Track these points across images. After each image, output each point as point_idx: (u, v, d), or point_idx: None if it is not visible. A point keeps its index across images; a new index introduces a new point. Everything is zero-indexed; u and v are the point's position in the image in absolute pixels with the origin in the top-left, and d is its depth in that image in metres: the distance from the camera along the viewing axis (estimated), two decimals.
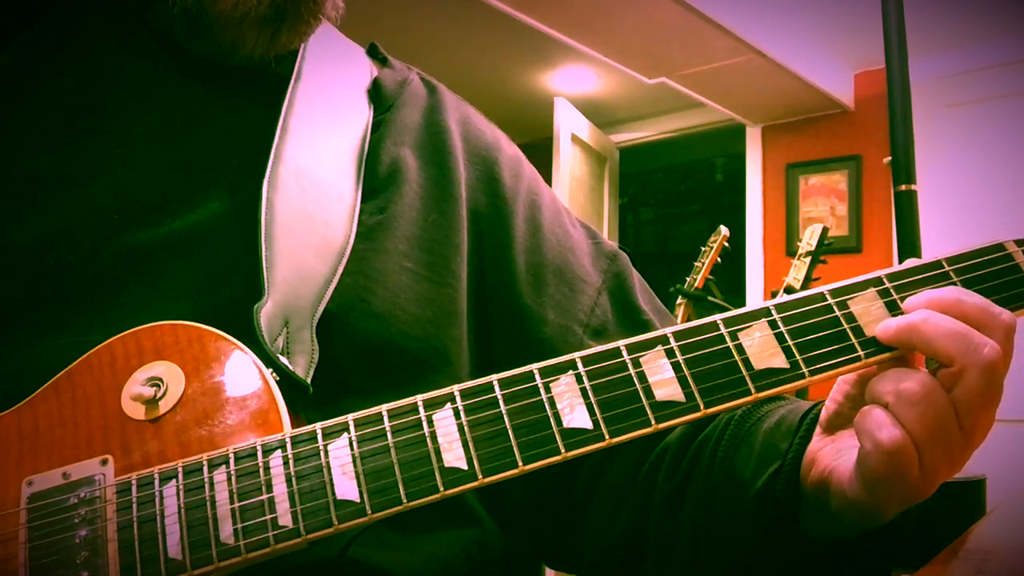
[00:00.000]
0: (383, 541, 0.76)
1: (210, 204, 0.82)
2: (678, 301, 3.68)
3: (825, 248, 3.33)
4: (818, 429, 0.72)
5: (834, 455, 0.68)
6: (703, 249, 3.72)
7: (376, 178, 0.89)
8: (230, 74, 0.89)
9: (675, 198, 8.13)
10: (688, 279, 3.67)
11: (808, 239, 3.35)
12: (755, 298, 5.19)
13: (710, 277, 3.67)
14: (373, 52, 1.03)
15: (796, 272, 3.30)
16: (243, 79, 0.89)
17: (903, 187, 2.63)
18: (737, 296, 5.20)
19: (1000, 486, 1.93)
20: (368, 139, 0.91)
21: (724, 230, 3.70)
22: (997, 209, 4.32)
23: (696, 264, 3.70)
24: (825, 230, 3.36)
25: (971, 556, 0.84)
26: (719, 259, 3.69)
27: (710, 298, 3.67)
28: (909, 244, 2.60)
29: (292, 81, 0.90)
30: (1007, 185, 4.35)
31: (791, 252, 4.20)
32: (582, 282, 0.95)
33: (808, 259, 3.30)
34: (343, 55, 0.98)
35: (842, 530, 0.70)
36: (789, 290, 3.26)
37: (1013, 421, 4.01)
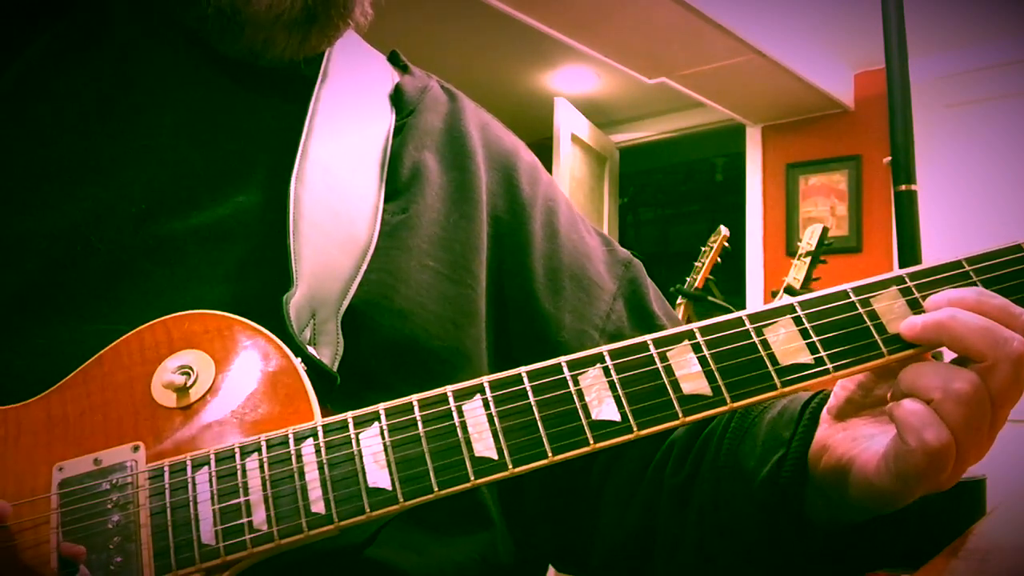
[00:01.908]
0: (403, 542, 0.77)
1: (237, 198, 0.83)
2: (678, 301, 3.69)
3: (825, 248, 3.34)
4: (826, 416, 0.73)
5: (850, 443, 0.69)
6: (703, 249, 3.73)
7: (398, 179, 0.90)
8: (258, 74, 0.90)
9: (675, 198, 8.12)
10: (688, 279, 3.67)
11: (808, 239, 3.36)
12: (755, 298, 5.20)
13: (710, 277, 3.68)
14: (394, 59, 1.05)
15: (796, 272, 3.31)
16: (270, 79, 0.90)
17: (903, 187, 2.64)
18: (737, 296, 5.20)
19: (1000, 486, 1.93)
20: (391, 142, 0.92)
21: (724, 230, 3.70)
22: (997, 209, 4.33)
23: (696, 264, 3.71)
24: (825, 230, 3.37)
25: (971, 556, 0.85)
26: (719, 259, 3.70)
27: (710, 298, 3.68)
28: (909, 244, 2.61)
29: (318, 83, 0.91)
30: (1007, 185, 4.36)
31: (791, 252, 4.21)
32: (598, 288, 0.97)
33: (808, 259, 3.31)
34: (366, 61, 1.00)
35: (851, 515, 0.71)
36: (789, 290, 3.27)
37: (1013, 421, 4.00)
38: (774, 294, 3.44)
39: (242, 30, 0.85)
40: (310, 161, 0.84)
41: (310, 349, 0.73)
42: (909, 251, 2.61)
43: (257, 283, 0.79)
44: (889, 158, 2.71)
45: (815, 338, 0.66)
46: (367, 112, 0.93)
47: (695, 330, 0.66)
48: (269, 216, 0.81)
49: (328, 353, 0.76)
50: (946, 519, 1.88)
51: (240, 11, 0.84)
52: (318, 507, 0.62)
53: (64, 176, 0.80)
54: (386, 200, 0.88)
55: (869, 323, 0.66)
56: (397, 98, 0.97)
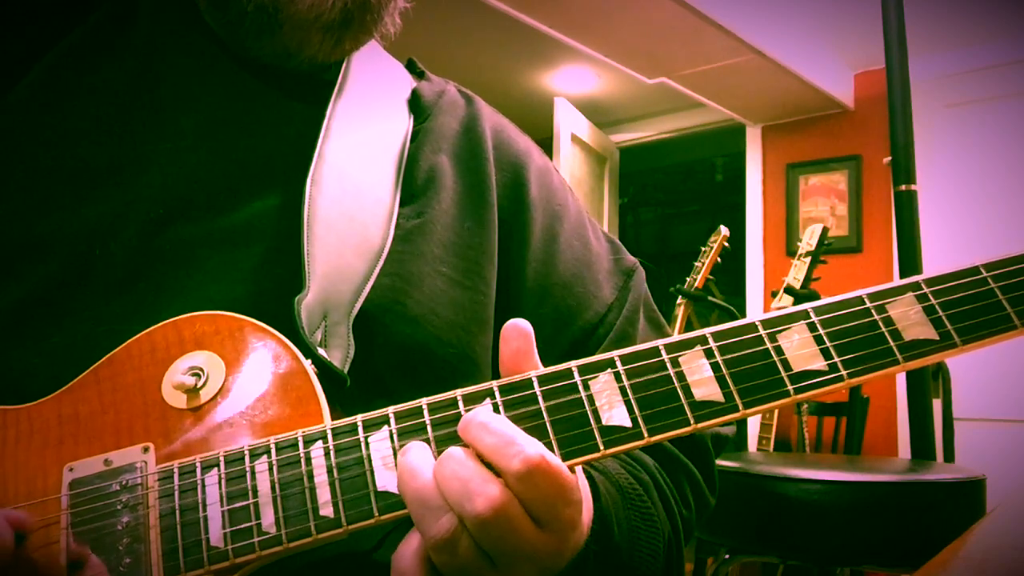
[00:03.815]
0: None
1: (255, 203, 0.83)
2: (678, 301, 3.69)
3: (825, 248, 3.34)
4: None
5: None
6: (703, 249, 3.73)
7: (414, 184, 0.90)
8: (280, 77, 0.90)
9: (675, 198, 8.10)
10: (688, 279, 3.67)
11: (808, 239, 3.36)
12: (755, 298, 5.20)
13: (710, 277, 3.68)
14: (411, 67, 1.05)
15: (796, 272, 3.31)
16: (292, 83, 0.91)
17: (903, 187, 2.66)
18: (737, 296, 5.21)
19: (1000, 486, 1.94)
20: (407, 147, 0.92)
21: (724, 230, 3.70)
22: (997, 209, 4.34)
23: (696, 264, 3.71)
24: (825, 230, 3.37)
25: (971, 556, 0.84)
26: (719, 259, 3.70)
27: (710, 298, 3.68)
28: (909, 244, 2.62)
29: (337, 88, 0.92)
30: (1007, 185, 4.36)
31: (791, 252, 4.21)
32: (591, 297, 0.96)
33: (808, 259, 3.31)
34: (384, 67, 1.00)
35: None
36: (789, 290, 3.28)
37: (1013, 421, 4.02)
38: (774, 294, 3.44)
39: (280, 28, 0.85)
40: (326, 164, 0.85)
41: (320, 351, 0.73)
42: (909, 251, 2.63)
43: (272, 285, 0.79)
44: (889, 158, 2.72)
45: (829, 344, 0.64)
46: (384, 117, 0.93)
47: (707, 335, 0.65)
48: (285, 219, 0.82)
49: (339, 356, 0.76)
50: (946, 519, 1.89)
51: (281, 9, 0.84)
52: (327, 510, 0.61)
53: (84, 178, 0.81)
54: (401, 204, 0.88)
55: (884, 329, 0.64)
56: (414, 103, 0.97)
